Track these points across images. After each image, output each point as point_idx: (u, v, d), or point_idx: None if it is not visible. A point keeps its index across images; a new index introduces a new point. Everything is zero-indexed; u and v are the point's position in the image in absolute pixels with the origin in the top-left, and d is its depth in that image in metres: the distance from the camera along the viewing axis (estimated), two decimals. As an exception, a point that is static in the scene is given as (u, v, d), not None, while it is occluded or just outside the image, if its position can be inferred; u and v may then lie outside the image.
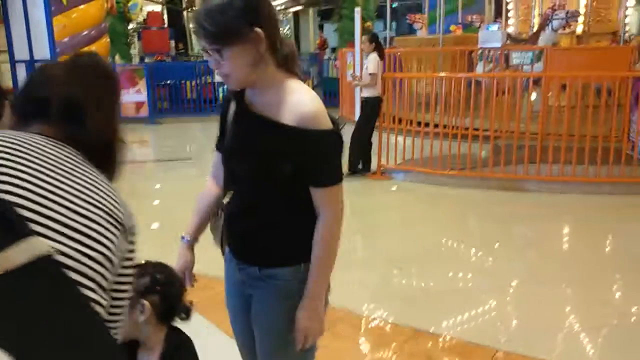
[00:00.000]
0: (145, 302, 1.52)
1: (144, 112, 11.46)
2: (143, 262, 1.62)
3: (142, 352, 1.60)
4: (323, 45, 17.31)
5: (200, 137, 10.58)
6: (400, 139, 7.04)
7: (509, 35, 10.50)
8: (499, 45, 9.53)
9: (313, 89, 13.12)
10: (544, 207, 5.83)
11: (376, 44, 6.73)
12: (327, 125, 1.59)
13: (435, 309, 3.62)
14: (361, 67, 7.21)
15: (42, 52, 4.06)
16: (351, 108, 8.79)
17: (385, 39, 10.91)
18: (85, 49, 10.90)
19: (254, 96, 1.66)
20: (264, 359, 1.77)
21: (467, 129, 6.67)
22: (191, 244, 1.86)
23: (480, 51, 10.16)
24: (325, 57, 15.30)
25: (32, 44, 4.10)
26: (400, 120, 7.05)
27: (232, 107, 1.72)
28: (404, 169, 6.89)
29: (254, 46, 1.53)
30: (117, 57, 14.42)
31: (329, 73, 14.04)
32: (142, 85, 11.37)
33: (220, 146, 1.79)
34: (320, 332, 1.70)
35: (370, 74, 6.57)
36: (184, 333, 1.64)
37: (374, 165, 6.99)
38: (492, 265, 4.41)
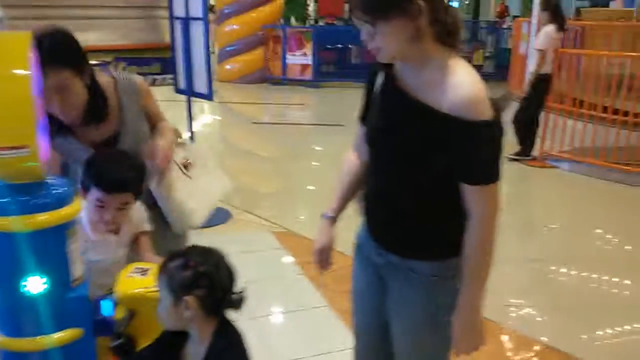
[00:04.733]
0: (189, 299, 1.38)
1: (308, 75, 11.60)
2: (185, 250, 1.47)
3: (190, 345, 1.49)
4: (503, 13, 16.13)
5: (360, 104, 10.45)
6: (570, 123, 6.24)
7: None
8: None
9: (486, 59, 12.58)
10: None
11: (554, 14, 5.97)
12: (487, 114, 1.37)
13: (585, 322, 3.15)
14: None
15: (197, 10, 4.15)
16: (520, 84, 8.05)
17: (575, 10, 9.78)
18: (258, 9, 11.33)
19: (405, 71, 1.49)
20: (401, 355, 1.70)
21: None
22: (333, 221, 1.75)
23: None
24: (505, 26, 14.36)
25: (189, 3, 4.21)
26: (580, 103, 6.23)
27: (380, 78, 1.56)
28: (570, 159, 6.12)
29: (412, 21, 1.36)
30: (292, 19, 14.79)
31: (507, 44, 13.10)
32: (308, 48, 11.49)
33: (364, 120, 1.66)
34: (475, 347, 1.58)
35: (535, 49, 5.85)
36: (235, 329, 1.49)
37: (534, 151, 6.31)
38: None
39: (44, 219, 1.32)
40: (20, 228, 1.31)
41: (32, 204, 1.32)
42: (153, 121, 2.07)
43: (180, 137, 2.19)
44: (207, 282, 1.39)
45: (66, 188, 1.41)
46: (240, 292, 1.47)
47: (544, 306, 3.38)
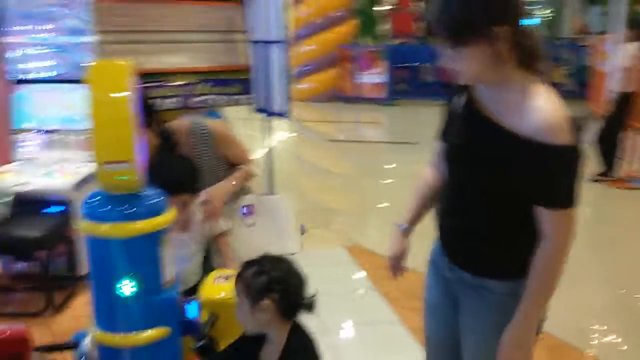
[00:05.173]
0: (266, 302, 1.49)
1: (382, 93, 11.69)
2: (258, 258, 1.57)
3: (267, 346, 1.58)
4: (583, 29, 15.58)
5: (433, 121, 10.40)
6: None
7: None
8: None
9: (566, 77, 12.16)
10: None
11: (639, 32, 5.76)
12: (567, 138, 1.38)
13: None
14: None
15: (276, 34, 4.32)
16: (601, 102, 7.76)
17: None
18: (334, 30, 11.55)
19: (486, 92, 1.52)
20: None
21: None
22: (407, 232, 1.81)
23: None
24: (585, 43, 13.86)
25: (268, 27, 4.39)
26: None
27: (459, 97, 1.59)
28: (656, 180, 5.85)
29: (493, 45, 1.39)
30: (366, 39, 14.90)
31: (587, 61, 12.65)
32: (382, 66, 11.60)
33: (443, 137, 1.68)
34: None
35: (620, 67, 5.65)
36: (307, 332, 1.58)
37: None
38: None
39: (140, 226, 1.47)
40: (119, 234, 1.46)
41: (129, 213, 1.47)
42: (233, 163, 2.13)
43: (254, 176, 2.22)
44: (281, 286, 1.50)
45: (160, 199, 1.55)
46: (312, 296, 1.56)
47: (627, 333, 3.24)
